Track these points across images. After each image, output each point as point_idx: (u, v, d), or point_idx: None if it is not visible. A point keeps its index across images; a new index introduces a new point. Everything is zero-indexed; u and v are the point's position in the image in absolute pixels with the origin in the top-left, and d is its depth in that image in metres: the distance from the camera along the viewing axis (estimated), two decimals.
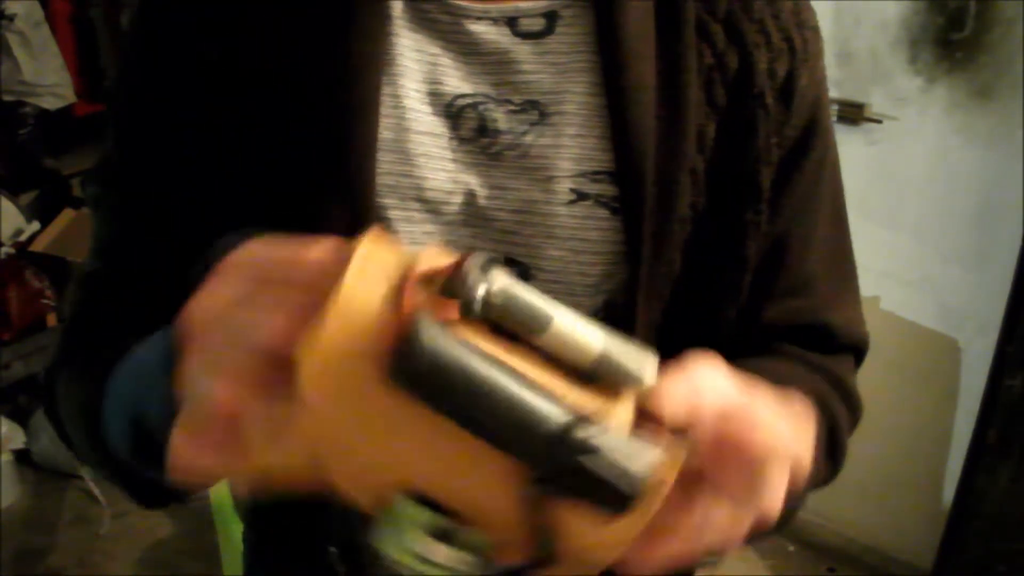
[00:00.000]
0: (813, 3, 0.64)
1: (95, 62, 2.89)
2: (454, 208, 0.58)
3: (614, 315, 0.59)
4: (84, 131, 2.76)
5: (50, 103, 2.67)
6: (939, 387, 2.06)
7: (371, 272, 0.33)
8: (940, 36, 1.85)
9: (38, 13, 2.60)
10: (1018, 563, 1.84)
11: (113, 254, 0.63)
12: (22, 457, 2.48)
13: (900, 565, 2.20)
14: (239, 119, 0.57)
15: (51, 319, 2.63)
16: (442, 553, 0.31)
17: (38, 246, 2.65)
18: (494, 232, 0.58)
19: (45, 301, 2.61)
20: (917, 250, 2.00)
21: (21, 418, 2.52)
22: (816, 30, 0.63)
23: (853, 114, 1.98)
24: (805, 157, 0.62)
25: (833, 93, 1.99)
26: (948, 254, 1.97)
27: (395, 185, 0.57)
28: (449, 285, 0.32)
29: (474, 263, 0.33)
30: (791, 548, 2.33)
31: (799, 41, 0.61)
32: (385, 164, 0.56)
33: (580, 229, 0.58)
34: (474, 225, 0.58)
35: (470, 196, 0.58)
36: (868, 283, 2.40)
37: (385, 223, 0.57)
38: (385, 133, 0.56)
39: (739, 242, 0.61)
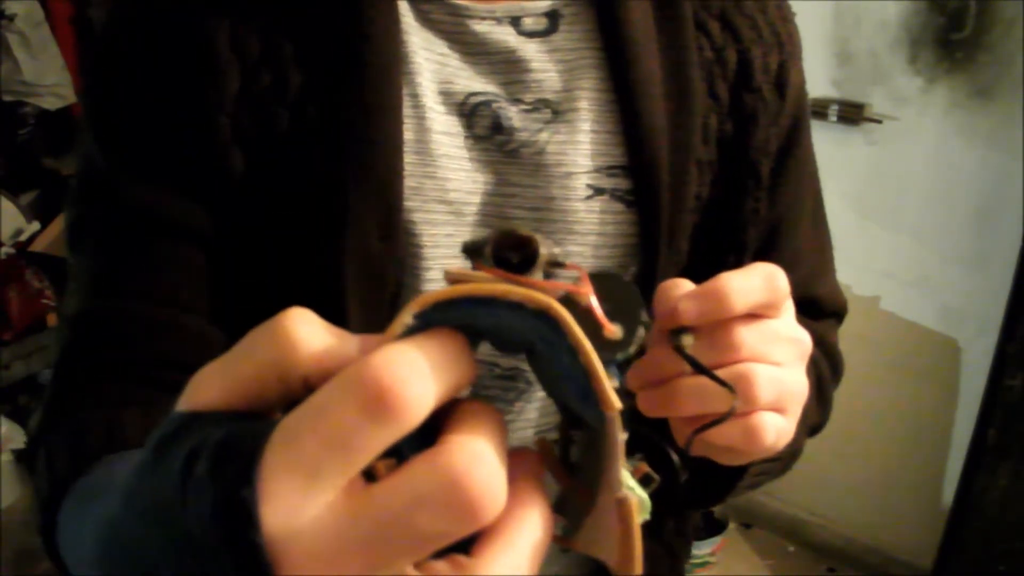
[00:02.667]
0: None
1: None
2: (473, 208, 0.58)
3: None
4: None
5: (50, 103, 2.66)
6: (939, 387, 2.06)
7: None
8: (940, 36, 1.85)
9: (38, 13, 2.59)
10: (1018, 563, 1.84)
11: (107, 282, 0.56)
12: (22, 457, 2.48)
13: (900, 565, 2.20)
14: (245, 116, 0.55)
15: (51, 319, 2.62)
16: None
17: (38, 246, 2.64)
18: None
19: (45, 301, 2.60)
20: (917, 250, 2.00)
21: (21, 418, 2.51)
22: (796, 24, 0.66)
23: (853, 114, 1.97)
24: (797, 145, 0.64)
25: (833, 93, 1.99)
26: (948, 254, 1.96)
27: (418, 187, 0.56)
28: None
29: None
30: (791, 548, 2.33)
31: (785, 35, 0.63)
32: (409, 166, 0.56)
33: (598, 224, 0.58)
34: (492, 226, 0.58)
35: (488, 196, 0.58)
36: (868, 283, 2.40)
37: (408, 227, 0.56)
38: (407, 134, 0.56)
39: (740, 229, 0.63)
